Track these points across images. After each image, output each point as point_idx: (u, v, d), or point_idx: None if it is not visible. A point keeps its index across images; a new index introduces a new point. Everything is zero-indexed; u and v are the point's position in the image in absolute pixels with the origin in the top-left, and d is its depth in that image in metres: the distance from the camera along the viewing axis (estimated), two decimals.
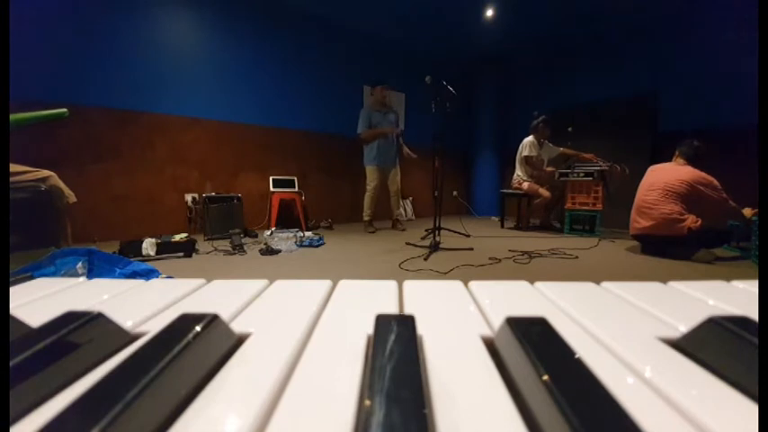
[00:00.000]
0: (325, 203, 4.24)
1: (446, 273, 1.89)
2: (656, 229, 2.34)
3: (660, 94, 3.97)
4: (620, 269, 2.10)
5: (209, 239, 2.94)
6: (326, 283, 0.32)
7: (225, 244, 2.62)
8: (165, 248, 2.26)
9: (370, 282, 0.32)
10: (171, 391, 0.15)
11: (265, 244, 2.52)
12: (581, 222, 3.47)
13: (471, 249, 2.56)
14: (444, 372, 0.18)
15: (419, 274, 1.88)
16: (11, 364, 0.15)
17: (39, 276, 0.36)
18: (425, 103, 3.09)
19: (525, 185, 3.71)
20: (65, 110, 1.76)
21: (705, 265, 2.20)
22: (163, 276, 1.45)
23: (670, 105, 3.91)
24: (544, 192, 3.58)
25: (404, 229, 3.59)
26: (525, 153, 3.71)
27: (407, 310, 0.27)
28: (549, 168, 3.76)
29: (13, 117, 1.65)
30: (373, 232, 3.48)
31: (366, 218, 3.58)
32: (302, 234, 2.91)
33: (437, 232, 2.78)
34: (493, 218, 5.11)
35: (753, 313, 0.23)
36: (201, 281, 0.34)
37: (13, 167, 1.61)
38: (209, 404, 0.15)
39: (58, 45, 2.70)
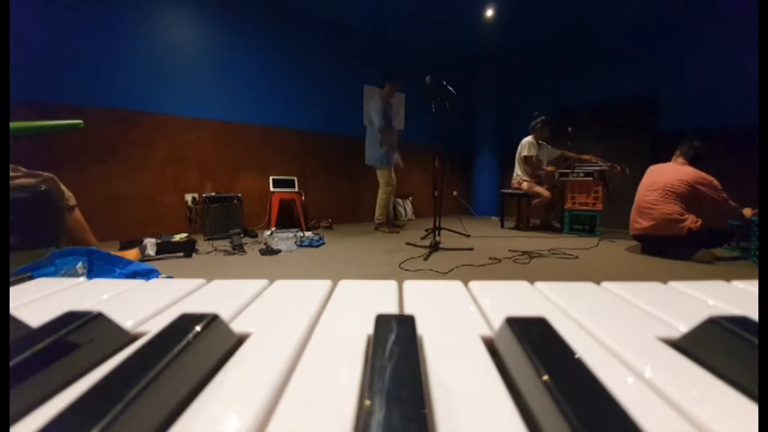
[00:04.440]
0: (326, 203, 4.25)
1: (446, 273, 1.89)
2: (656, 229, 2.34)
3: (660, 94, 3.97)
4: (620, 269, 2.10)
5: (209, 239, 2.94)
6: (326, 283, 0.32)
7: (225, 244, 2.63)
8: (165, 248, 2.26)
9: (370, 282, 0.32)
10: (171, 391, 0.15)
11: (265, 244, 2.52)
12: (581, 222, 3.47)
13: (471, 249, 2.56)
14: (444, 372, 0.18)
15: (419, 274, 1.88)
16: (11, 364, 0.15)
17: (39, 276, 0.36)
18: (425, 103, 3.10)
19: (525, 185, 3.71)
20: (80, 121, 1.76)
21: (705, 265, 2.20)
22: (163, 276, 1.45)
23: (670, 105, 3.91)
24: (543, 191, 3.58)
25: (398, 232, 3.57)
26: (524, 153, 3.71)
27: (407, 310, 0.27)
28: (549, 168, 3.75)
29: (28, 125, 1.65)
30: (398, 231, 3.48)
31: (384, 219, 3.56)
32: (302, 234, 2.91)
33: (437, 232, 2.78)
34: (493, 218, 5.11)
35: (753, 313, 0.23)
36: (201, 281, 0.34)
37: (13, 172, 1.61)
38: (209, 404, 0.15)
39: (58, 45, 2.70)
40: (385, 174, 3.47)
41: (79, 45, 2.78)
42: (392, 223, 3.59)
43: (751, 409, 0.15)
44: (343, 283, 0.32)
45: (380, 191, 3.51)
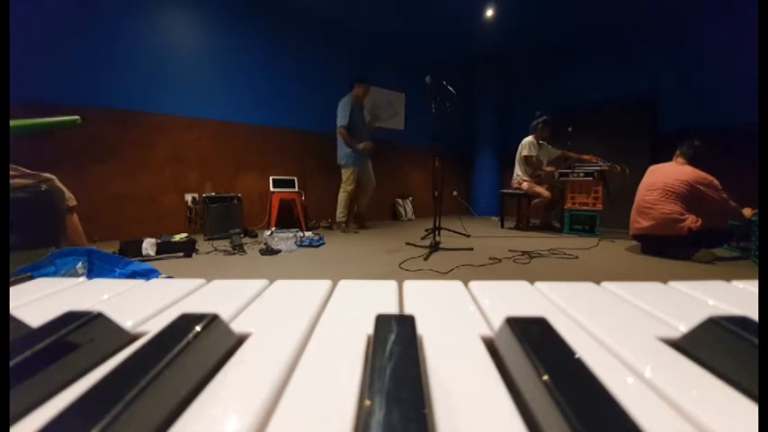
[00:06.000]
0: (326, 203, 4.24)
1: (446, 273, 1.89)
2: (656, 229, 2.34)
3: (660, 94, 3.97)
4: (620, 269, 2.10)
5: (209, 239, 2.94)
6: (326, 283, 0.32)
7: (225, 244, 2.62)
8: (165, 248, 2.26)
9: (370, 282, 0.32)
10: (171, 391, 0.15)
11: (265, 244, 2.53)
12: (581, 222, 3.47)
13: (471, 249, 2.56)
14: (444, 372, 0.18)
15: (419, 274, 1.88)
16: (11, 364, 0.15)
17: (39, 276, 0.36)
18: (425, 103, 3.10)
19: (525, 185, 3.71)
20: (77, 117, 1.74)
21: (705, 265, 2.20)
22: (163, 276, 1.45)
23: (670, 105, 3.91)
24: (543, 191, 3.58)
25: (356, 232, 3.55)
26: (524, 153, 3.71)
27: (407, 310, 0.27)
28: (549, 168, 3.75)
29: (23, 122, 1.64)
30: (356, 232, 3.51)
31: (343, 217, 3.57)
32: (302, 234, 2.91)
33: (437, 232, 2.78)
34: (493, 218, 5.11)
35: (753, 313, 0.23)
36: (201, 281, 0.34)
37: (13, 172, 1.61)
38: (209, 404, 0.15)
39: (58, 45, 2.70)
40: (346, 172, 3.49)
41: (79, 45, 2.78)
42: (348, 224, 3.60)
43: (751, 409, 0.15)
44: (343, 283, 0.32)
45: (341, 189, 3.54)
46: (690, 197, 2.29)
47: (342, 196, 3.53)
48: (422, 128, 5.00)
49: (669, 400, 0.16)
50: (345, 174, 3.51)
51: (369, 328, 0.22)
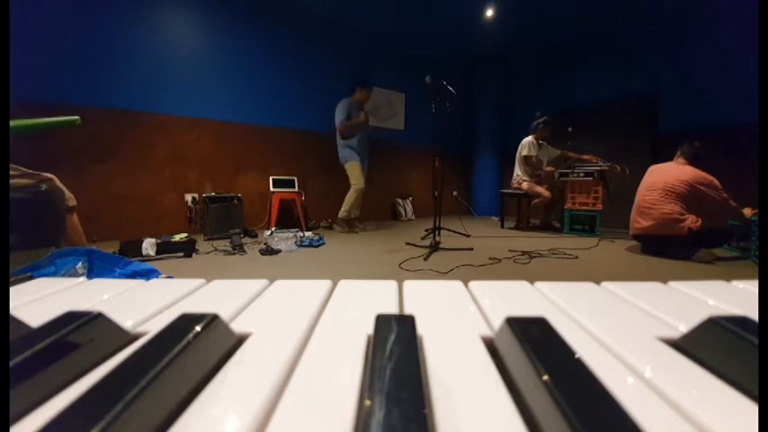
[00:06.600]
0: (325, 203, 4.24)
1: (446, 273, 1.89)
2: (656, 229, 2.34)
3: (660, 94, 3.97)
4: (620, 269, 2.10)
5: (209, 239, 2.94)
6: (326, 283, 0.32)
7: (225, 244, 2.63)
8: (165, 248, 2.26)
9: (370, 282, 0.32)
10: (171, 391, 0.15)
11: (265, 244, 2.53)
12: (581, 222, 3.47)
13: (471, 249, 2.56)
14: (444, 372, 0.18)
15: (419, 274, 1.88)
16: (11, 364, 0.15)
17: (39, 276, 0.36)
18: (425, 103, 3.10)
19: (525, 185, 3.71)
20: (77, 117, 1.73)
21: (705, 265, 2.20)
22: (163, 276, 1.45)
23: (670, 105, 3.91)
24: (543, 191, 3.58)
25: (357, 232, 3.51)
26: (524, 153, 3.71)
27: (407, 310, 0.27)
28: (549, 168, 3.75)
29: (22, 123, 1.63)
30: (356, 232, 3.49)
31: (346, 215, 3.49)
32: (302, 234, 2.91)
33: (437, 232, 2.78)
34: (493, 218, 5.11)
35: (753, 313, 0.23)
36: (201, 281, 0.34)
37: (13, 172, 1.60)
38: (209, 404, 0.15)
39: (58, 45, 2.70)
40: (353, 170, 3.42)
41: (79, 45, 2.78)
42: (352, 223, 3.55)
43: (751, 409, 0.15)
44: (343, 283, 0.32)
45: (351, 189, 3.45)
46: (690, 197, 2.29)
47: (351, 196, 3.44)
48: (422, 128, 5.00)
49: (669, 400, 0.16)
50: (352, 172, 3.42)
51: (369, 328, 0.21)
